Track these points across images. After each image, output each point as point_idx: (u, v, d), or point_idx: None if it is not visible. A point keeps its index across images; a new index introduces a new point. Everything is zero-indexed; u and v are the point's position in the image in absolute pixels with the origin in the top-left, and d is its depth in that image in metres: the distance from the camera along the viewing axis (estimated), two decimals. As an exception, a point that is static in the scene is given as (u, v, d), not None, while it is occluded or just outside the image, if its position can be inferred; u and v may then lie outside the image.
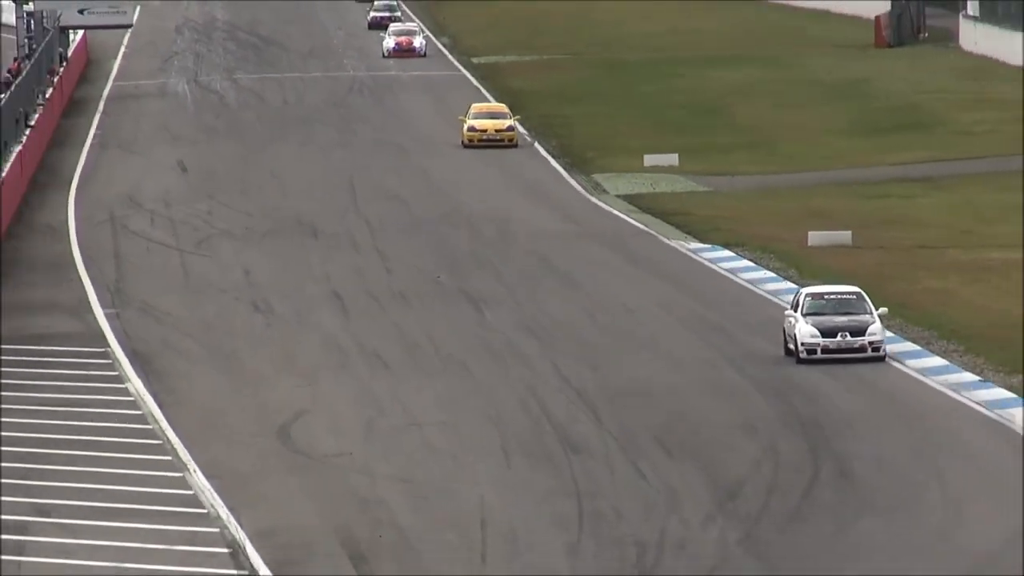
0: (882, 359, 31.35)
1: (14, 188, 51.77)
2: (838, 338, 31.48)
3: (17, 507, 26.00)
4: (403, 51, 78.44)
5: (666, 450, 27.20)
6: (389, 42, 79.94)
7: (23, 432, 30.68)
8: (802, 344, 31.55)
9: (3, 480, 27.77)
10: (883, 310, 32.94)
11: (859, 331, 31.66)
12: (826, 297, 33.20)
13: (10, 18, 78.43)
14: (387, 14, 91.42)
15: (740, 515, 22.58)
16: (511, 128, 60.99)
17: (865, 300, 32.81)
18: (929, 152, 57.25)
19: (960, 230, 46.30)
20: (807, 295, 33.09)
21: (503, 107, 63.62)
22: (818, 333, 31.49)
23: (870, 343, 31.53)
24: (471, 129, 60.69)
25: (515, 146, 58.98)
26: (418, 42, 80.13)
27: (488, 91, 72.13)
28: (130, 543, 24.12)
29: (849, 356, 31.34)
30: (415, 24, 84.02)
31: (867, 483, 25.57)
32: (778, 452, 27.10)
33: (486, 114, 62.10)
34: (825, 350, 31.43)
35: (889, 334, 35.64)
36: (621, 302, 40.16)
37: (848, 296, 33.25)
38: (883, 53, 73.45)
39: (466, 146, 60.13)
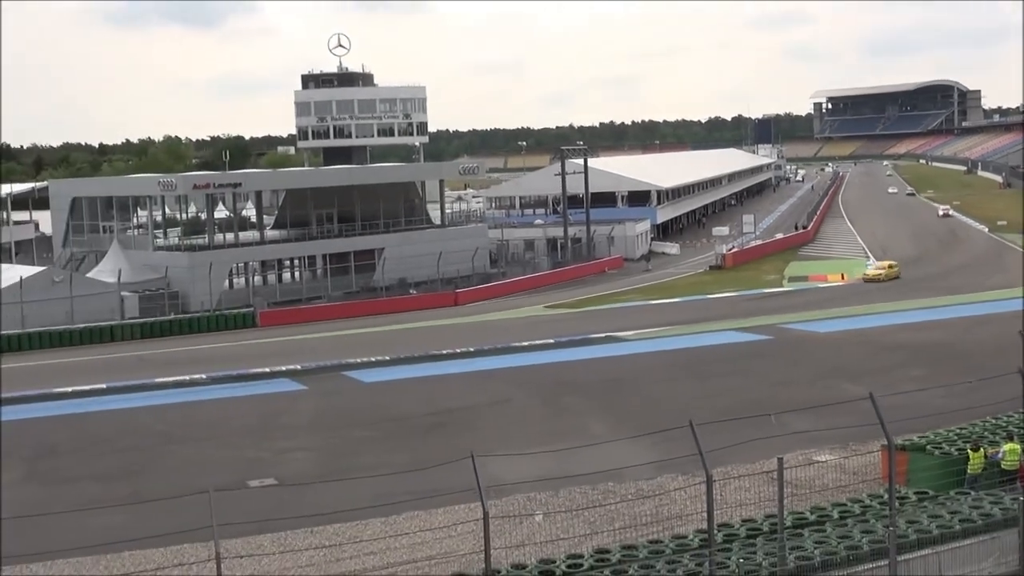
0: None
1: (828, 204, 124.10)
2: None
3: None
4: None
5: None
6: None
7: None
8: None
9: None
10: None
11: None
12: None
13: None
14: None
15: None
16: (894, 268, 69.83)
17: None
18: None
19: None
20: None
21: (891, 263, 70.83)
22: None
23: None
24: (866, 275, 69.21)
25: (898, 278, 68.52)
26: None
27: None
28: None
29: None
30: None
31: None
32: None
33: (879, 266, 70.34)
34: None
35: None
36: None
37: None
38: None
39: (865, 281, 68.45)
